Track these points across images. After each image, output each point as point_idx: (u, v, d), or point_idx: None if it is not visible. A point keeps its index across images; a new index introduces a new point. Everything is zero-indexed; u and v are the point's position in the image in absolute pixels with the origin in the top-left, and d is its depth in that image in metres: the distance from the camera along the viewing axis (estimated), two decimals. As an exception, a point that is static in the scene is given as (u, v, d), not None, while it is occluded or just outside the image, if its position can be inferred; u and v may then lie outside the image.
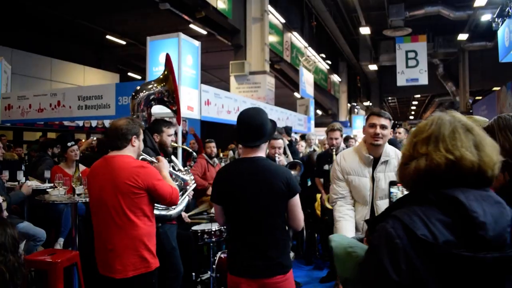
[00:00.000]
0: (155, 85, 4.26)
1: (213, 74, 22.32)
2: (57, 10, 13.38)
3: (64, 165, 5.32)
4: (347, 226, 2.74)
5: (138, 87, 4.33)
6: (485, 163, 1.13)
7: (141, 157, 2.98)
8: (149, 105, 4.22)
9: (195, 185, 3.84)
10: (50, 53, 15.05)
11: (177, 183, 3.69)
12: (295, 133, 11.09)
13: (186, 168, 4.01)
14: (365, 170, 2.83)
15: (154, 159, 3.09)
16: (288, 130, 7.14)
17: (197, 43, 6.05)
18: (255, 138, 2.38)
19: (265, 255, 2.30)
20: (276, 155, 4.88)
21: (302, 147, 7.34)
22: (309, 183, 6.14)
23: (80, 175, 4.27)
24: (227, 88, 13.99)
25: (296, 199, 2.37)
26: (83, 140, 9.53)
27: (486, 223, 1.05)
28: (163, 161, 3.07)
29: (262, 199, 2.31)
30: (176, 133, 4.81)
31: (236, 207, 2.40)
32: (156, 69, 5.71)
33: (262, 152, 2.46)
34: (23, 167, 5.71)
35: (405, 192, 1.29)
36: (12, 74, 11.35)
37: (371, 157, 2.81)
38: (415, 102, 38.59)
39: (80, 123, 10.42)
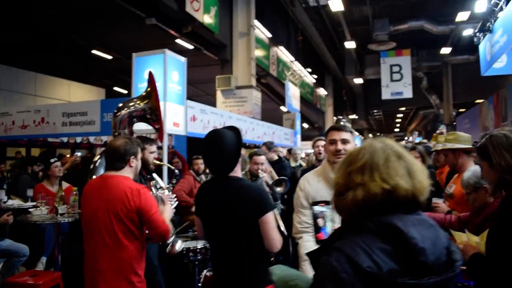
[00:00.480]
0: (138, 102, 4.23)
1: (200, 88, 22.34)
2: (42, 24, 13.31)
3: (47, 183, 5.25)
4: None
5: (120, 104, 4.31)
6: (418, 189, 1.17)
7: (153, 181, 2.96)
8: (131, 123, 4.19)
9: (176, 203, 3.83)
10: (35, 68, 14.92)
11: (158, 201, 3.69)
12: (282, 147, 11.10)
13: (168, 186, 3.98)
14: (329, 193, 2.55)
15: (163, 185, 3.07)
16: (268, 145, 7.08)
17: (183, 59, 6.07)
18: (223, 170, 2.36)
19: (236, 275, 2.28)
20: (260, 171, 4.89)
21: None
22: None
23: (63, 194, 4.22)
24: (213, 102, 14.01)
25: (267, 218, 2.24)
26: (68, 156, 9.43)
27: (425, 248, 1.07)
28: (168, 209, 3.01)
29: (227, 219, 2.29)
30: (160, 149, 4.78)
31: (207, 224, 2.43)
32: (141, 85, 5.70)
33: (236, 172, 2.42)
34: (5, 186, 5.61)
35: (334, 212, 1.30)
36: (-5, 89, 11.26)
37: None
38: (400, 115, 39.09)
39: (65, 139, 10.31)
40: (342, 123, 30.41)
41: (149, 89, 4.28)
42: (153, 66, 5.66)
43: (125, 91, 19.53)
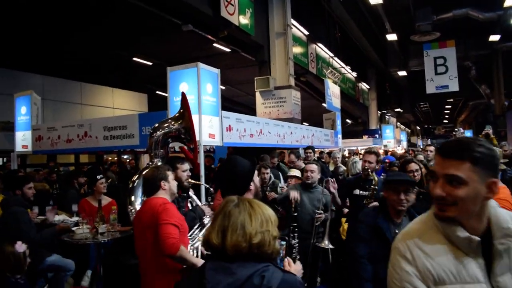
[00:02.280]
0: (172, 122, 4.32)
1: (240, 89, 22.46)
2: (85, 38, 13.79)
3: (92, 198, 5.40)
4: None
5: (156, 125, 4.41)
6: (225, 245, 1.49)
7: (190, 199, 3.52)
8: (166, 143, 4.29)
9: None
10: (80, 78, 15.51)
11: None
12: (322, 149, 10.96)
13: (205, 204, 4.05)
14: (472, 268, 1.39)
15: (199, 203, 3.60)
16: (296, 154, 6.97)
17: (216, 70, 6.09)
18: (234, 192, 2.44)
19: None
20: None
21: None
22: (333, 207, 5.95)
23: (103, 213, 4.35)
24: (254, 102, 14.04)
25: None
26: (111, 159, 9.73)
27: None
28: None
29: None
30: (192, 169, 4.83)
31: None
32: (176, 99, 5.77)
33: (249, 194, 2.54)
34: (51, 202, 5.86)
35: None
36: (43, 100, 11.76)
37: (476, 238, 1.39)
38: (448, 106, 37.65)
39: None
40: (386, 117, 29.73)
41: (181, 110, 4.36)
42: (187, 80, 5.73)
43: (166, 94, 19.95)
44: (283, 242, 2.08)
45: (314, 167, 4.78)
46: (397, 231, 2.73)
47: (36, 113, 7.93)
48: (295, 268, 1.92)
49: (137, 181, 4.02)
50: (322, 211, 4.62)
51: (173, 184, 3.18)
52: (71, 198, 5.96)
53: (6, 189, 4.88)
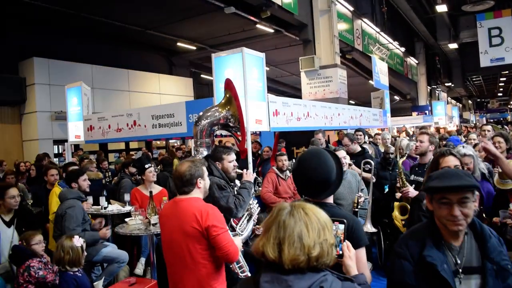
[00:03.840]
0: (219, 110, 4.23)
1: (284, 69, 22.19)
2: (129, 23, 13.98)
3: (143, 187, 5.49)
4: None
5: (201, 113, 4.34)
6: (282, 259, 1.38)
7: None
8: (212, 131, 4.21)
9: (258, 209, 3.90)
10: (126, 65, 15.81)
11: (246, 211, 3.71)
12: (367, 132, 10.63)
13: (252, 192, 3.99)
14: None
15: None
16: (350, 137, 6.69)
17: (261, 55, 5.94)
18: (318, 193, 2.17)
19: None
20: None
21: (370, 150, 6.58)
22: (386, 189, 5.72)
23: (154, 205, 4.38)
24: (299, 81, 13.82)
25: (360, 253, 2.09)
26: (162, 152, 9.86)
27: None
28: (237, 239, 3.06)
29: None
30: (245, 154, 4.76)
31: None
32: (222, 85, 5.69)
33: (329, 199, 2.23)
34: (105, 192, 6.00)
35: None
36: (93, 89, 12.09)
37: None
38: (503, 79, 35.56)
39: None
40: (436, 92, 28.54)
41: (228, 95, 4.26)
42: (232, 65, 5.62)
43: (211, 77, 20.05)
44: (342, 226, 1.93)
45: (343, 153, 4.75)
46: (458, 260, 1.86)
47: (87, 104, 8.11)
48: (354, 252, 1.86)
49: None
50: (361, 194, 4.50)
51: (207, 182, 2.94)
52: (125, 187, 6.06)
53: (66, 182, 5.02)
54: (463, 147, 3.63)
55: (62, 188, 5.01)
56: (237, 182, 4.14)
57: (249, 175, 3.84)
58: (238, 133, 4.29)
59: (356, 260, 2.01)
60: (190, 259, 2.67)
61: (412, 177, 4.32)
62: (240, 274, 3.18)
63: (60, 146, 13.50)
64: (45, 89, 12.93)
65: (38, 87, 12.80)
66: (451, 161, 2.92)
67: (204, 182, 2.88)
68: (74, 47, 14.07)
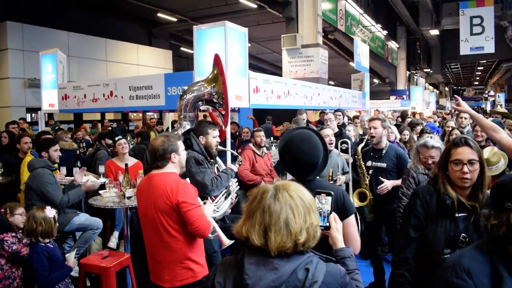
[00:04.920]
0: (204, 84, 4.15)
1: (266, 46, 22.00)
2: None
3: (117, 159, 5.41)
4: None
5: (186, 87, 4.26)
6: (268, 246, 1.36)
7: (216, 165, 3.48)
8: (196, 106, 4.16)
9: (237, 188, 3.92)
10: (104, 34, 15.37)
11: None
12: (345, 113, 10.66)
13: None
14: None
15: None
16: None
17: (243, 30, 5.84)
18: (307, 175, 2.23)
19: None
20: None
21: (349, 131, 6.29)
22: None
23: (129, 178, 4.30)
24: (280, 59, 13.72)
25: (351, 220, 2.17)
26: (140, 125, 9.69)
27: (249, 285, 1.35)
28: (208, 206, 3.08)
29: None
30: (224, 135, 4.71)
31: None
32: (203, 59, 5.59)
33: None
34: (78, 164, 5.87)
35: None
36: (69, 57, 11.73)
37: None
38: (480, 68, 36.17)
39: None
40: (415, 77, 28.82)
41: (215, 71, 4.18)
42: (214, 39, 5.51)
43: (191, 51, 19.76)
44: (329, 198, 1.93)
45: (330, 131, 4.75)
46: None
47: (62, 72, 7.87)
48: (341, 224, 1.86)
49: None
50: (340, 174, 4.49)
51: (183, 157, 2.89)
52: (100, 158, 5.94)
53: (36, 150, 4.88)
54: (431, 137, 3.61)
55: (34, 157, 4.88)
56: (218, 160, 4.11)
57: (234, 167, 3.91)
58: (222, 108, 4.24)
59: (348, 227, 2.12)
60: (165, 233, 2.68)
61: (370, 163, 4.28)
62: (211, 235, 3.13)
63: (33, 114, 13.14)
64: (18, 54, 12.49)
65: (11, 52, 12.36)
66: (466, 153, 2.15)
67: (179, 157, 2.84)
68: (50, 13, 13.58)
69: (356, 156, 4.34)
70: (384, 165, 4.15)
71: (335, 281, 1.42)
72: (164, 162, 2.77)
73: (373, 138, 4.27)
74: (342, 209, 2.12)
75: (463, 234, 2.09)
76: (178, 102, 4.31)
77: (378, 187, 4.04)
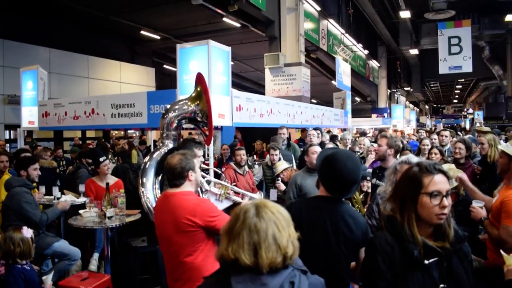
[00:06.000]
0: (188, 103, 4.11)
1: (249, 64, 22.14)
2: (92, 8, 13.50)
3: (97, 179, 5.31)
4: None
5: (168, 106, 4.23)
6: (259, 263, 1.37)
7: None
8: (179, 124, 4.11)
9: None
10: (87, 51, 15.29)
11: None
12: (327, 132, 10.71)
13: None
14: None
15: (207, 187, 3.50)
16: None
17: (227, 48, 5.88)
18: (346, 192, 2.34)
19: None
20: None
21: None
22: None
23: (110, 197, 4.23)
24: (263, 77, 13.79)
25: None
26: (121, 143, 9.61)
27: None
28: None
29: (334, 242, 2.28)
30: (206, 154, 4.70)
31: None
32: (186, 77, 5.59)
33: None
34: (58, 182, 5.76)
35: None
36: (50, 73, 11.60)
37: None
38: (459, 86, 37.01)
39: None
40: (396, 96, 29.29)
41: (198, 89, 4.16)
42: (198, 57, 5.53)
43: (174, 69, 19.79)
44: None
45: (318, 148, 4.66)
46: None
47: (43, 89, 7.78)
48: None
49: (149, 162, 3.84)
50: None
51: (199, 174, 2.92)
52: (82, 177, 5.84)
53: (15, 169, 4.78)
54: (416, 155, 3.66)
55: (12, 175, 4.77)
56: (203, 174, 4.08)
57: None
58: (205, 127, 4.21)
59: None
60: (181, 252, 2.70)
61: (374, 180, 4.33)
62: None
63: (12, 131, 12.91)
64: (-2, 70, 12.32)
65: (-10, 68, 12.20)
66: (443, 183, 1.84)
67: (196, 175, 2.85)
68: (31, 29, 13.45)
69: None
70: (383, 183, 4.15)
71: None
72: (182, 180, 2.77)
73: (375, 154, 4.36)
74: (366, 237, 2.23)
75: (441, 285, 1.71)
76: (160, 121, 4.25)
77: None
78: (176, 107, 4.16)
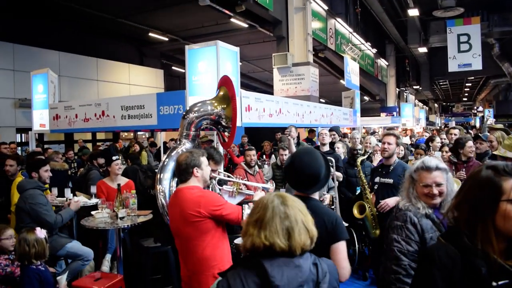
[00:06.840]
0: (215, 104, 4.03)
1: (257, 65, 22.15)
2: (100, 11, 13.61)
3: (109, 180, 5.34)
4: None
5: (188, 108, 4.17)
6: (293, 246, 1.48)
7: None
8: (199, 126, 4.05)
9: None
10: (96, 53, 15.40)
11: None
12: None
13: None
14: None
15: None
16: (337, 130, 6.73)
17: (235, 49, 5.89)
18: (308, 187, 2.33)
19: None
20: None
21: (338, 149, 6.28)
22: (358, 190, 5.71)
23: (122, 198, 4.26)
24: (271, 77, 13.79)
25: (340, 246, 2.22)
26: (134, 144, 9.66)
27: (280, 286, 1.42)
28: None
29: None
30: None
31: None
32: (195, 78, 5.62)
33: (315, 195, 2.42)
34: (70, 184, 5.81)
35: None
36: (60, 76, 11.71)
37: None
38: (468, 84, 36.69)
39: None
40: (405, 94, 29.12)
41: (222, 93, 4.09)
42: (206, 58, 5.55)
43: (183, 70, 19.81)
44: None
45: (326, 148, 4.76)
46: None
47: (53, 91, 7.85)
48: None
49: (167, 160, 3.83)
50: (325, 192, 4.51)
51: (207, 171, 3.03)
52: (92, 179, 5.88)
53: (26, 171, 4.84)
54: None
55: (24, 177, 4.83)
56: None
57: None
58: (225, 133, 4.17)
59: (336, 252, 2.18)
60: (191, 244, 2.84)
61: (378, 179, 4.30)
62: None
63: (23, 134, 13.04)
64: (8, 74, 12.46)
65: (1, 72, 12.35)
66: None
67: (202, 172, 2.98)
68: (41, 33, 13.59)
69: (356, 168, 4.33)
70: (391, 181, 4.14)
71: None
72: (187, 176, 2.94)
73: (385, 152, 4.25)
74: (332, 234, 2.19)
75: None
76: (180, 121, 4.15)
77: (378, 205, 4.03)
78: (196, 108, 4.08)
